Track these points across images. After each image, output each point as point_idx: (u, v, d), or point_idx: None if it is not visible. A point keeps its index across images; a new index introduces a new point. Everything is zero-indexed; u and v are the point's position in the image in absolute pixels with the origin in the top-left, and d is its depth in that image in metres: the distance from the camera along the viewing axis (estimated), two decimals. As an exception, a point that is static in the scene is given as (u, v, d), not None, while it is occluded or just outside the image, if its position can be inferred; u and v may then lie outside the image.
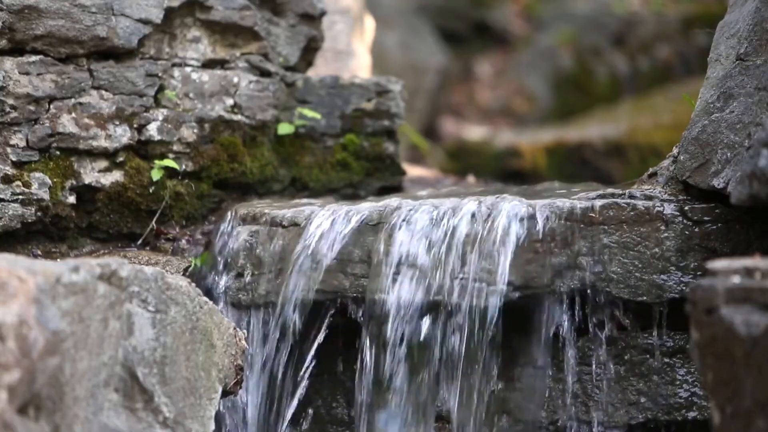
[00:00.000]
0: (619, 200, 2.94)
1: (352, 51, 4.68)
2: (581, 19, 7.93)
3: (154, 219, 3.28)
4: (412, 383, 2.93)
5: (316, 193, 3.51)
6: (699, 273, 2.86)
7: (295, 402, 2.99)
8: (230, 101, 3.38)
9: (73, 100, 3.17)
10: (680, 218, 2.91)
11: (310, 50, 3.60)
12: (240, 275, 3.06)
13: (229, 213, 3.20)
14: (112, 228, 3.26)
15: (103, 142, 3.20)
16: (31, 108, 3.12)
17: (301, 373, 3.00)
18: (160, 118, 3.27)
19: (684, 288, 2.86)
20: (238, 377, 2.64)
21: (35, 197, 3.10)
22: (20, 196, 3.08)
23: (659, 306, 2.90)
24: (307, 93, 3.53)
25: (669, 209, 2.92)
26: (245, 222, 3.11)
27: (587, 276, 2.89)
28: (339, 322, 2.99)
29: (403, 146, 3.82)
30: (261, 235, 3.06)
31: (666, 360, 2.92)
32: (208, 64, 3.39)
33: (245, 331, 2.86)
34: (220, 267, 3.11)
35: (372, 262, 2.94)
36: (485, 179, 4.75)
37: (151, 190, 3.26)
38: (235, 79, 3.39)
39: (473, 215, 2.93)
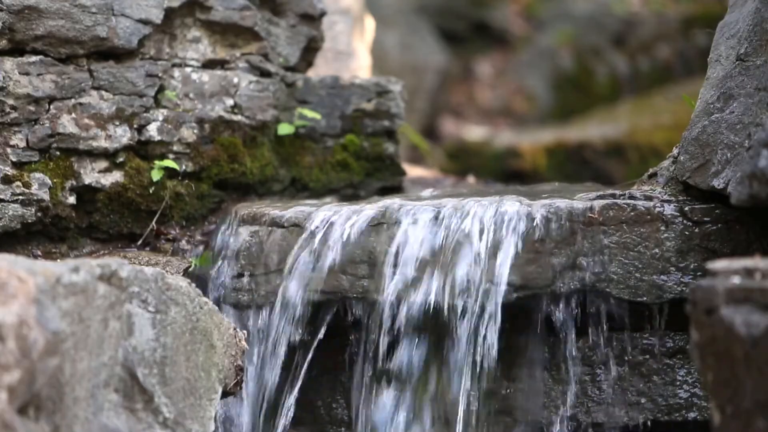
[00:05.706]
0: (619, 201, 2.94)
1: (352, 51, 4.68)
2: (581, 19, 7.93)
3: (154, 219, 3.28)
4: (412, 384, 2.93)
5: (316, 193, 3.51)
6: (699, 273, 2.86)
7: (294, 402, 2.99)
8: (230, 101, 3.38)
9: (73, 100, 3.17)
10: (680, 219, 2.91)
11: (310, 50, 3.60)
12: (240, 275, 3.06)
13: (229, 213, 3.20)
14: (112, 228, 3.26)
15: (103, 143, 3.20)
16: (31, 108, 3.12)
17: (302, 372, 3.00)
18: (160, 118, 3.27)
19: (684, 288, 2.86)
20: (238, 378, 2.64)
21: (35, 198, 3.10)
22: (20, 197, 3.08)
23: (659, 306, 2.90)
24: (307, 93, 3.53)
25: (669, 210, 2.92)
26: (246, 222, 3.11)
27: (587, 276, 2.89)
28: (340, 322, 2.99)
29: (403, 146, 3.82)
30: (261, 235, 3.06)
31: (666, 360, 2.92)
32: (208, 65, 3.39)
33: (245, 331, 2.86)
34: (221, 267, 3.11)
35: (373, 262, 2.94)
36: (485, 180, 4.75)
37: (151, 191, 3.26)
38: (235, 80, 3.39)
39: (473, 216, 2.93)
